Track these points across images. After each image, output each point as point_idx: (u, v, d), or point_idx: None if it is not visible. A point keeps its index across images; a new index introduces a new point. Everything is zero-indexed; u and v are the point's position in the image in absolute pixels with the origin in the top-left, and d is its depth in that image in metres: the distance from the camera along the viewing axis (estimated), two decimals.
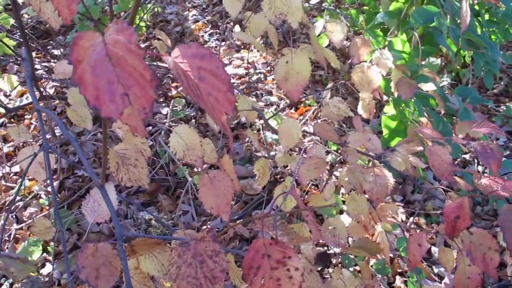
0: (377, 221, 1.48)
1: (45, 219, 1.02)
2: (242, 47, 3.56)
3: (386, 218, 1.48)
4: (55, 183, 2.42)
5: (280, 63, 1.24)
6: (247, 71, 3.26)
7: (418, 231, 2.17)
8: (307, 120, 2.71)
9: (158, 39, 2.13)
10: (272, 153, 2.51)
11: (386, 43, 1.74)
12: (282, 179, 2.35)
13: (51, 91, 3.02)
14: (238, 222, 2.12)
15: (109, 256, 0.77)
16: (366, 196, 1.32)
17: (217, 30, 3.67)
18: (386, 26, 1.97)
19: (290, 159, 1.52)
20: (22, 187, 2.36)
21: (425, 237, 1.05)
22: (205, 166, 1.29)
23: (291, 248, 0.66)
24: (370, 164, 1.39)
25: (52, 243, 2.14)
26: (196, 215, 2.29)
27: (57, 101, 2.89)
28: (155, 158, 2.48)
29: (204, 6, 4.17)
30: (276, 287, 0.64)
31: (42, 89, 1.61)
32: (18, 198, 2.35)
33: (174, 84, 3.12)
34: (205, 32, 3.72)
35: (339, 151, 1.34)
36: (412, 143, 1.33)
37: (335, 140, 1.38)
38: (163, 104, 2.99)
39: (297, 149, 2.34)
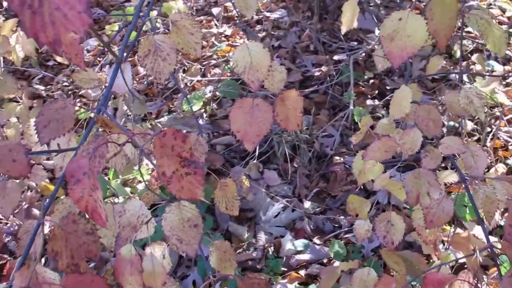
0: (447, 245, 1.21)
1: (93, 71, 1.15)
2: None
3: (457, 247, 1.19)
4: None
5: (391, 17, 1.02)
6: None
7: None
8: None
9: None
10: None
11: None
12: None
13: None
14: None
15: (66, 116, 0.86)
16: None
17: None
18: None
19: (392, 130, 1.31)
20: (219, 49, 2.62)
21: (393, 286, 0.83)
22: None
23: (98, 181, 0.64)
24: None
25: (213, 105, 2.40)
26: (339, 144, 2.21)
27: None
28: (334, 74, 2.40)
29: None
30: (93, 208, 0.65)
31: None
32: (214, 56, 2.64)
33: None
34: None
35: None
36: None
37: (432, 133, 1.12)
38: None
39: None
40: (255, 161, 1.93)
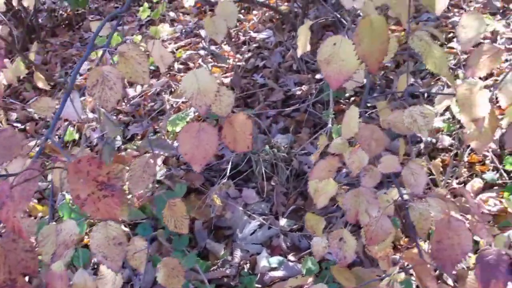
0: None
1: (52, 100, 1.21)
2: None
3: (410, 262, 1.22)
4: None
5: (326, 43, 1.07)
6: (483, 41, 2.74)
7: None
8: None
9: None
10: None
11: None
12: None
13: None
14: None
15: (14, 143, 0.93)
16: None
17: None
18: None
19: (345, 148, 1.35)
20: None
21: None
22: None
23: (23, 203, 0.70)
24: None
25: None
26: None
27: None
28: (315, 92, 2.45)
29: None
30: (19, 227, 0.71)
31: None
32: None
33: None
34: None
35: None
36: (452, 204, 1.02)
37: (373, 153, 1.15)
38: None
39: None
40: (225, 180, 1.98)
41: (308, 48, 1.41)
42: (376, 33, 1.03)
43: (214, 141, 1.15)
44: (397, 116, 1.20)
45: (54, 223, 1.00)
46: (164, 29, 2.60)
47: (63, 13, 3.84)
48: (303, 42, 1.42)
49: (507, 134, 1.12)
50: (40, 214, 2.26)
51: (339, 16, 2.53)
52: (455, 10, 3.20)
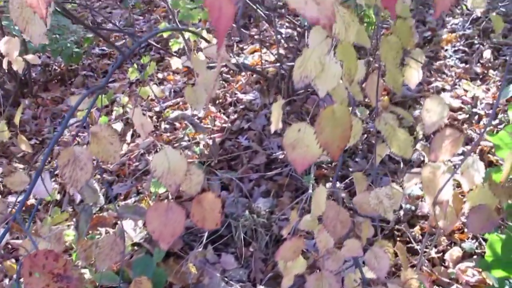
0: None
1: (25, 175, 1.23)
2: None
3: None
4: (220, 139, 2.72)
5: (291, 128, 1.11)
6: (463, 106, 2.83)
7: None
8: None
9: None
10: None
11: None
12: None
13: None
14: None
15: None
16: None
17: None
18: None
19: (315, 226, 1.36)
20: (190, 131, 2.74)
21: None
22: None
23: None
24: None
25: None
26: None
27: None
28: None
29: None
30: None
31: None
32: (186, 138, 2.75)
33: None
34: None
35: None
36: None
37: (338, 235, 1.17)
38: None
39: None
40: (203, 246, 1.98)
41: (280, 125, 1.45)
42: (338, 122, 1.07)
43: (182, 220, 1.16)
44: (363, 198, 1.23)
45: None
46: (153, 90, 2.66)
47: (57, 68, 3.93)
48: (276, 118, 1.46)
49: (469, 218, 1.14)
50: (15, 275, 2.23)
51: None
52: (437, 75, 3.30)
